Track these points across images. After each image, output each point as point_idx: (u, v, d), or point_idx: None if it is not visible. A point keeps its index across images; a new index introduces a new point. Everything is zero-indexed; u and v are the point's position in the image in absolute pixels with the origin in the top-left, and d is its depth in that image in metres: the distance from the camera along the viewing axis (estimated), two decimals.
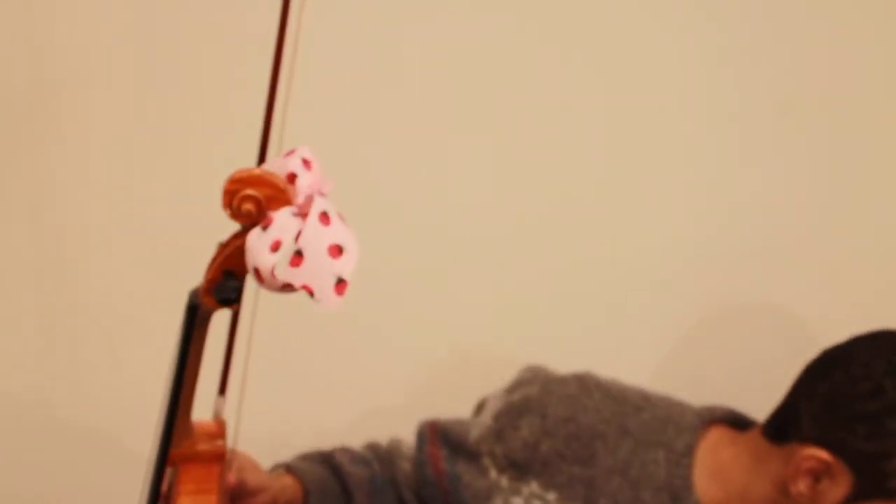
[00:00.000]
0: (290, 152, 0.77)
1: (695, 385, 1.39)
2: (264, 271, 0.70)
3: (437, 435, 1.16)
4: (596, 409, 1.13)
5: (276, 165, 0.76)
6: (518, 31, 1.38)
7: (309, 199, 0.72)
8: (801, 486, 1.04)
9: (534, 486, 1.10)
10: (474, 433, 1.15)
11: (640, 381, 1.21)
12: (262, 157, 0.90)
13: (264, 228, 0.71)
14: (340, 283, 0.70)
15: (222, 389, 0.98)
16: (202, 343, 0.82)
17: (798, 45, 1.41)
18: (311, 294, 0.69)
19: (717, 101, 1.41)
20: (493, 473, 1.12)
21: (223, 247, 0.76)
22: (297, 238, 0.70)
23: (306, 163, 0.76)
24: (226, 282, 0.74)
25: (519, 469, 1.11)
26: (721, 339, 1.47)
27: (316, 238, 0.70)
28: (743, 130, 1.43)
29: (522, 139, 1.41)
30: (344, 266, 0.70)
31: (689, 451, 1.10)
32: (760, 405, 1.14)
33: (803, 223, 1.44)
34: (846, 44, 1.42)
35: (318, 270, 0.69)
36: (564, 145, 1.41)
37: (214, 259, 0.76)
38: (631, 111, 1.41)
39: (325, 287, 0.69)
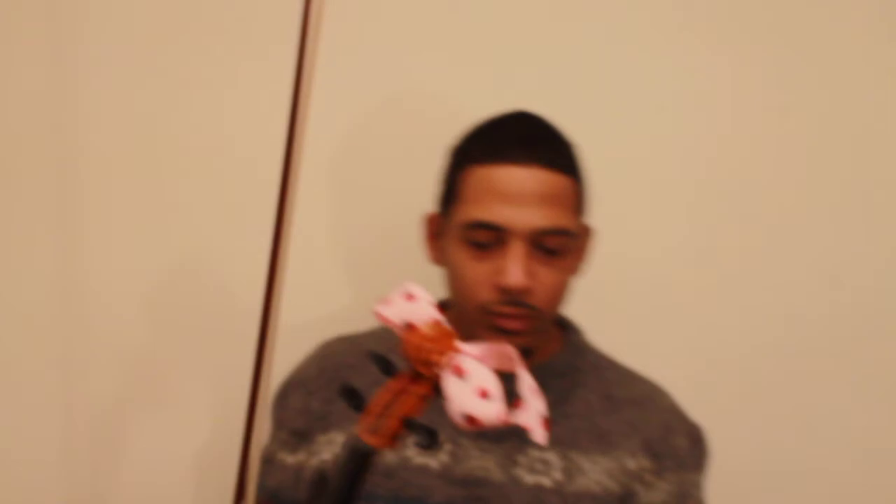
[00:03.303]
0: (411, 296, 0.81)
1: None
2: (489, 418, 0.75)
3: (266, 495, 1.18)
4: (340, 352, 1.19)
5: (415, 312, 0.80)
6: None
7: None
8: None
9: (320, 439, 1.13)
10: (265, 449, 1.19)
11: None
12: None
13: (460, 377, 0.76)
14: (545, 420, 0.77)
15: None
16: None
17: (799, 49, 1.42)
18: (529, 431, 0.76)
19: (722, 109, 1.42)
20: (291, 458, 1.15)
21: (393, 395, 0.78)
22: (496, 383, 0.77)
23: (409, 296, 0.84)
24: (415, 432, 0.77)
25: (302, 434, 1.15)
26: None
27: (526, 385, 0.77)
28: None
29: None
30: (543, 405, 0.78)
31: None
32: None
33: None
34: (849, 44, 1.42)
35: (532, 411, 0.76)
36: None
37: (390, 410, 0.78)
38: (632, 120, 1.41)
39: (537, 424, 0.77)
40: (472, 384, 0.77)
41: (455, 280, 1.06)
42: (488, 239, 1.02)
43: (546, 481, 1.06)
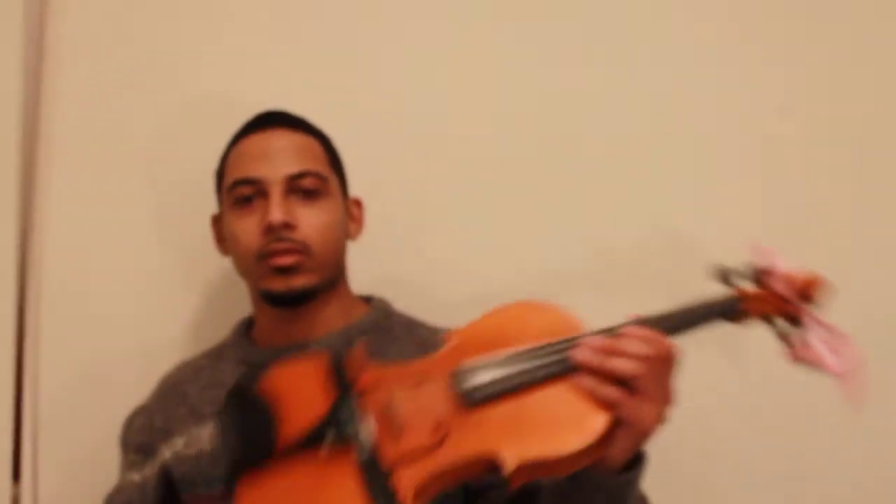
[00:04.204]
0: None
1: None
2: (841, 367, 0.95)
3: None
4: (176, 373, 1.29)
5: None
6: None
7: None
8: None
9: (163, 448, 1.21)
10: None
11: None
12: None
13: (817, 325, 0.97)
14: None
15: (16, 475, 1.08)
16: None
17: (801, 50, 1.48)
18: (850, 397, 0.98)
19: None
20: (138, 476, 1.22)
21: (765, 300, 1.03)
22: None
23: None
24: (768, 322, 1.05)
25: (147, 450, 1.22)
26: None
27: None
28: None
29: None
30: None
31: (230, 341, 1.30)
32: None
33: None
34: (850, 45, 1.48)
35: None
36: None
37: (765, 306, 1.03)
38: (625, 115, 1.45)
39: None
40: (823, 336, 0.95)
41: (233, 245, 1.20)
42: (250, 192, 1.18)
43: None
